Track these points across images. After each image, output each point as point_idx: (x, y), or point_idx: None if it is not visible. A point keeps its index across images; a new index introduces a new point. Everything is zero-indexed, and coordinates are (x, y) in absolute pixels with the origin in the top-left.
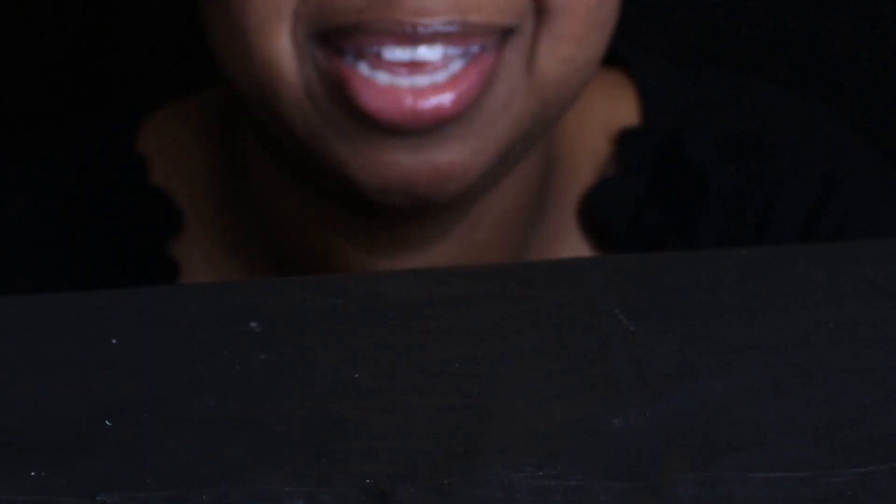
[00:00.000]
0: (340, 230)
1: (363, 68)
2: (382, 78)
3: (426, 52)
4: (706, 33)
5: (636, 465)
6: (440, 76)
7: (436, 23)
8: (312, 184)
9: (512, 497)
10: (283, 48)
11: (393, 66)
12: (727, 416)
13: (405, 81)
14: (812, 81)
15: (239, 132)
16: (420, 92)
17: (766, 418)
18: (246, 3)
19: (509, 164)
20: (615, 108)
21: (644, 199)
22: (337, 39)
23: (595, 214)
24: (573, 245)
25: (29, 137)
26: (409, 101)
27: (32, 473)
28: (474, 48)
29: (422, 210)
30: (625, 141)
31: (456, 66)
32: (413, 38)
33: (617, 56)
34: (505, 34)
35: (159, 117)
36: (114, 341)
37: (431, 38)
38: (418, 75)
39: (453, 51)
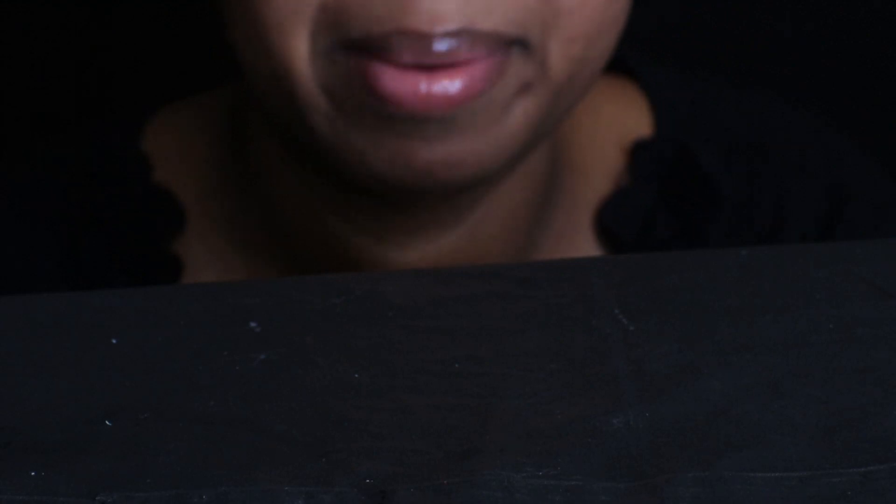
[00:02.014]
0: (350, 220)
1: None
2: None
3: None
4: (706, 33)
5: (636, 465)
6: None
7: (448, 28)
8: (325, 176)
9: (512, 497)
10: (301, 50)
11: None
12: (727, 416)
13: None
14: (812, 82)
15: (246, 128)
16: (433, 76)
17: (766, 418)
18: (265, 3)
19: (520, 156)
20: (626, 117)
21: (655, 209)
22: (357, 48)
23: (609, 224)
24: (583, 248)
25: (32, 137)
26: (423, 86)
27: (32, 473)
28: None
29: (433, 200)
30: (639, 152)
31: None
32: (427, 48)
33: (623, 64)
34: (510, 44)
35: (163, 116)
36: (114, 341)
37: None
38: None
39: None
